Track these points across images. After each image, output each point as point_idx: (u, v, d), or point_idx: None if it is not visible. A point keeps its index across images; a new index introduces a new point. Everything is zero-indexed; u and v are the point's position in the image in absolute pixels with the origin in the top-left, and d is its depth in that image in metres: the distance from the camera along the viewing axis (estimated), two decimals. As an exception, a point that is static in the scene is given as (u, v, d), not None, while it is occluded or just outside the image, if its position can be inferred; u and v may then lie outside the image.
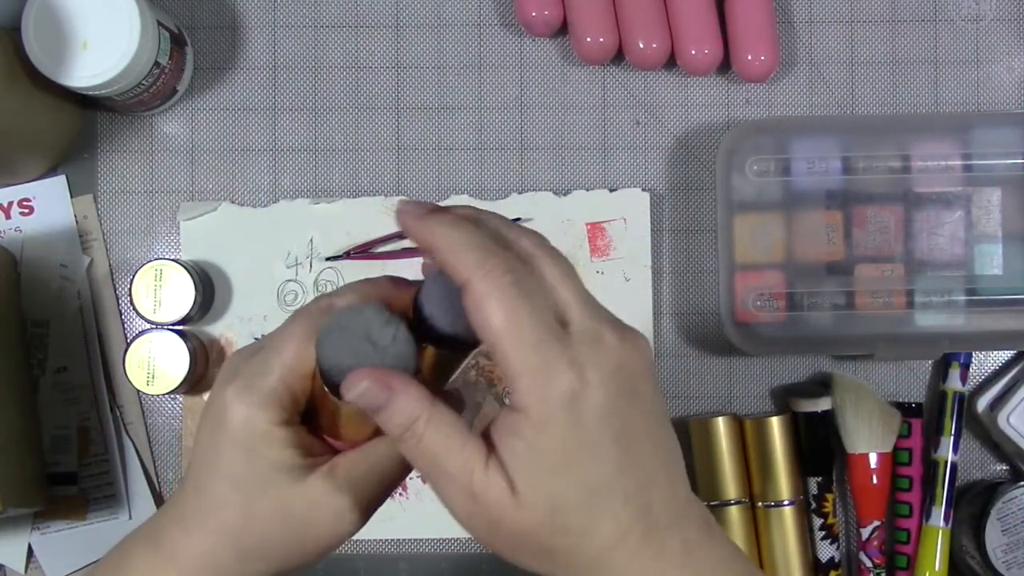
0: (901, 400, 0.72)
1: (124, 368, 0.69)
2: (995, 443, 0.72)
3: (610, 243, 0.72)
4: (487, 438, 0.38)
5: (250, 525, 0.41)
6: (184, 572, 0.41)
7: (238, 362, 0.41)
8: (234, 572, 0.41)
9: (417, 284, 0.41)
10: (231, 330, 0.72)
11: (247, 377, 0.40)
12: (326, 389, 0.40)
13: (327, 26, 0.74)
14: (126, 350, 0.69)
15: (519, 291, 0.36)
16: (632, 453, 0.37)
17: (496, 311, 0.36)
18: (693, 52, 0.70)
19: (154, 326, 0.70)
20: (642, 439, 0.38)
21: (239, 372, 0.41)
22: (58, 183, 0.73)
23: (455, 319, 0.39)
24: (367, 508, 0.42)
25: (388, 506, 0.71)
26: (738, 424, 0.72)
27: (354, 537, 0.73)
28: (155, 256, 0.73)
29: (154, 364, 0.69)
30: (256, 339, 0.47)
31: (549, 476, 0.37)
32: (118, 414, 0.72)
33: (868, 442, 0.70)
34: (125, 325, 0.73)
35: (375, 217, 0.73)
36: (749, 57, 0.71)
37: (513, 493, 0.37)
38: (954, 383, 0.71)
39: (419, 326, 0.40)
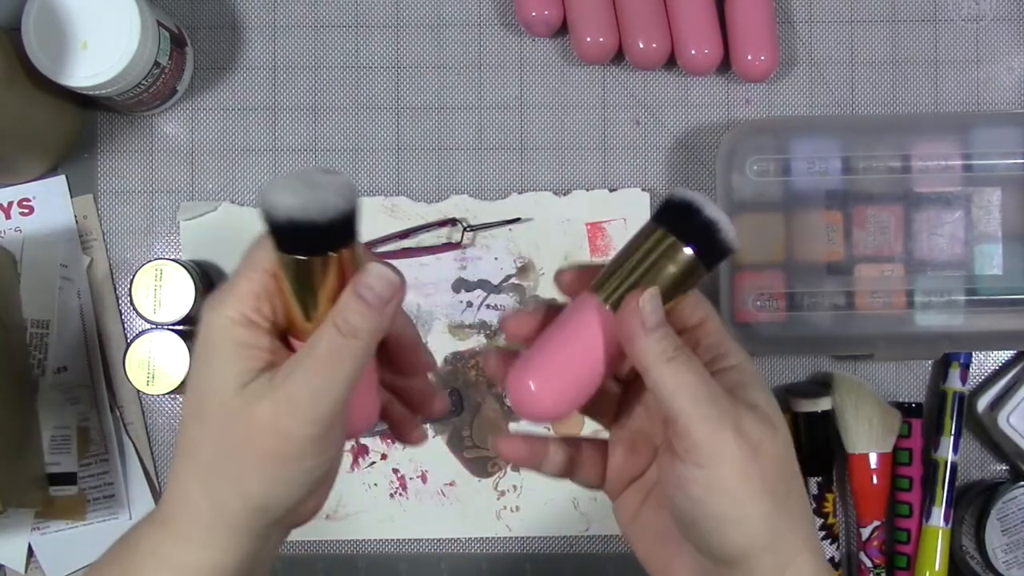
0: (901, 400, 0.72)
1: (124, 368, 0.69)
2: (995, 443, 0.72)
3: (610, 243, 0.72)
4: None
5: (214, 456, 0.39)
6: (179, 535, 0.40)
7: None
8: (223, 521, 0.39)
9: None
10: (231, 330, 0.72)
11: (218, 293, 0.40)
12: (276, 255, 0.38)
13: (327, 26, 0.74)
14: (126, 350, 0.69)
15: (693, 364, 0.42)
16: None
17: (708, 305, 0.43)
18: (693, 52, 0.70)
19: (154, 326, 0.70)
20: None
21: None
22: (58, 183, 0.73)
23: None
24: (322, 418, 0.38)
25: (388, 506, 0.72)
26: (738, 424, 0.71)
27: (355, 537, 0.74)
28: (155, 256, 0.73)
29: (154, 364, 0.69)
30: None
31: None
32: (118, 414, 0.72)
33: (868, 442, 0.70)
34: (125, 325, 0.73)
35: (375, 217, 0.73)
36: (749, 57, 0.71)
37: (772, 424, 0.40)
38: (954, 383, 0.71)
39: None
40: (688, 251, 0.40)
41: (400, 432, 0.47)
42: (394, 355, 0.44)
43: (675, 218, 0.41)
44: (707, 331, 0.42)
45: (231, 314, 0.39)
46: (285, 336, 0.40)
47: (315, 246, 0.38)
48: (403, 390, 0.46)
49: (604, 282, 0.41)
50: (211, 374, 0.39)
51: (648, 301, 0.40)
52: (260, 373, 0.38)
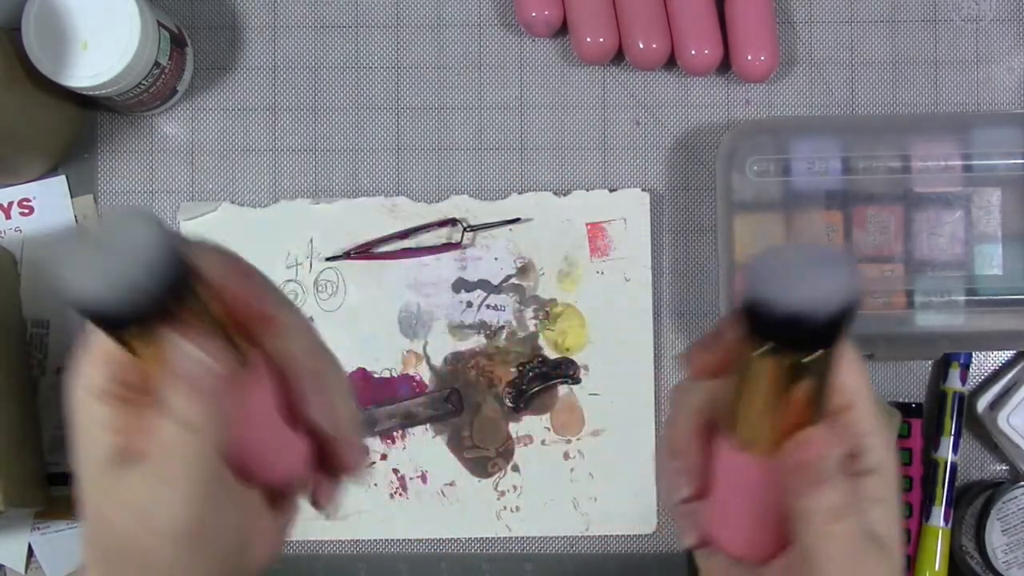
0: (901, 400, 0.72)
1: (124, 368, 0.69)
2: (995, 443, 0.72)
3: (610, 243, 0.72)
4: None
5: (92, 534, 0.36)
6: None
7: None
8: None
9: None
10: (231, 330, 0.72)
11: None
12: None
13: (327, 26, 0.74)
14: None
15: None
16: None
17: (865, 372, 0.36)
18: (693, 52, 0.70)
19: (154, 326, 0.70)
20: None
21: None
22: (58, 183, 0.73)
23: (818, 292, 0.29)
24: (171, 530, 0.34)
25: (388, 506, 0.72)
26: (738, 424, 0.71)
27: (355, 537, 0.74)
28: (155, 256, 0.73)
29: (154, 364, 0.69)
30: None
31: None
32: (118, 414, 0.72)
33: (868, 442, 0.70)
34: (125, 325, 0.73)
35: (375, 217, 0.73)
36: (749, 57, 0.71)
37: (892, 565, 0.35)
38: (954, 383, 0.71)
39: (758, 318, 0.30)
40: (790, 356, 0.32)
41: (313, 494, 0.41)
42: (298, 402, 0.38)
43: (759, 319, 0.31)
44: (851, 419, 0.35)
45: (80, 387, 0.35)
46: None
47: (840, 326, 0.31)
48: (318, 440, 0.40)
49: (736, 422, 0.35)
50: (78, 445, 0.35)
51: (825, 451, 0.34)
52: (118, 458, 0.35)
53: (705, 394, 0.38)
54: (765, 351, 0.31)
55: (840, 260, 0.30)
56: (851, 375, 0.35)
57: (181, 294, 0.31)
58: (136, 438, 0.34)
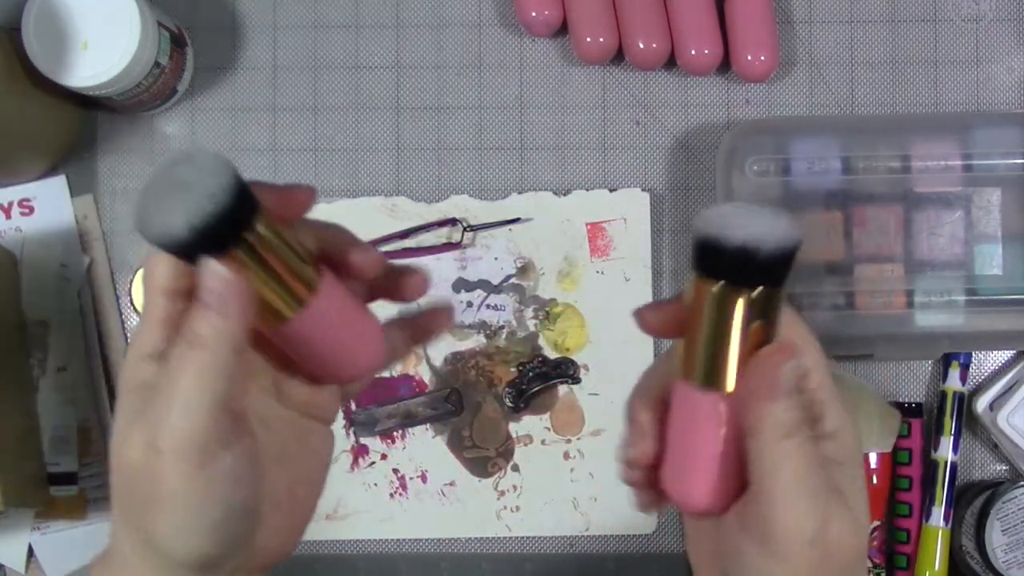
0: (901, 400, 0.72)
1: (124, 368, 0.69)
2: (995, 443, 0.72)
3: (610, 243, 0.72)
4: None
5: (119, 499, 0.36)
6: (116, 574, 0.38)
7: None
8: (146, 566, 0.36)
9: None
10: (231, 330, 0.72)
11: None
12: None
13: (327, 26, 0.74)
14: (126, 350, 0.69)
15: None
16: None
17: (815, 339, 0.37)
18: (693, 52, 0.70)
19: (154, 326, 0.70)
20: None
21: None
22: (58, 183, 0.73)
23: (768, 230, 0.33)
24: (186, 450, 0.34)
25: (388, 506, 0.72)
26: (738, 424, 0.72)
27: (355, 537, 0.74)
28: (155, 256, 0.73)
29: (154, 364, 0.69)
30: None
31: (867, 500, 0.37)
32: (118, 414, 0.72)
33: (868, 442, 0.70)
34: (125, 325, 0.73)
35: (375, 217, 0.73)
36: (749, 57, 0.71)
37: (855, 520, 0.36)
38: (954, 383, 0.71)
39: (713, 256, 0.34)
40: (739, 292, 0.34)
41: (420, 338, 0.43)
42: (379, 288, 0.41)
43: (710, 257, 0.35)
44: (807, 384, 0.37)
45: (145, 343, 0.36)
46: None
47: (786, 269, 0.35)
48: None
49: (692, 365, 0.37)
50: (116, 417, 0.36)
51: (789, 361, 0.35)
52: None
53: (662, 366, 0.40)
54: (717, 288, 0.34)
55: (780, 213, 0.34)
56: (807, 349, 0.37)
57: (247, 227, 0.34)
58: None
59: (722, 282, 0.35)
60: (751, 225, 0.33)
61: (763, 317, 0.35)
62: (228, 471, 0.35)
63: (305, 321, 0.37)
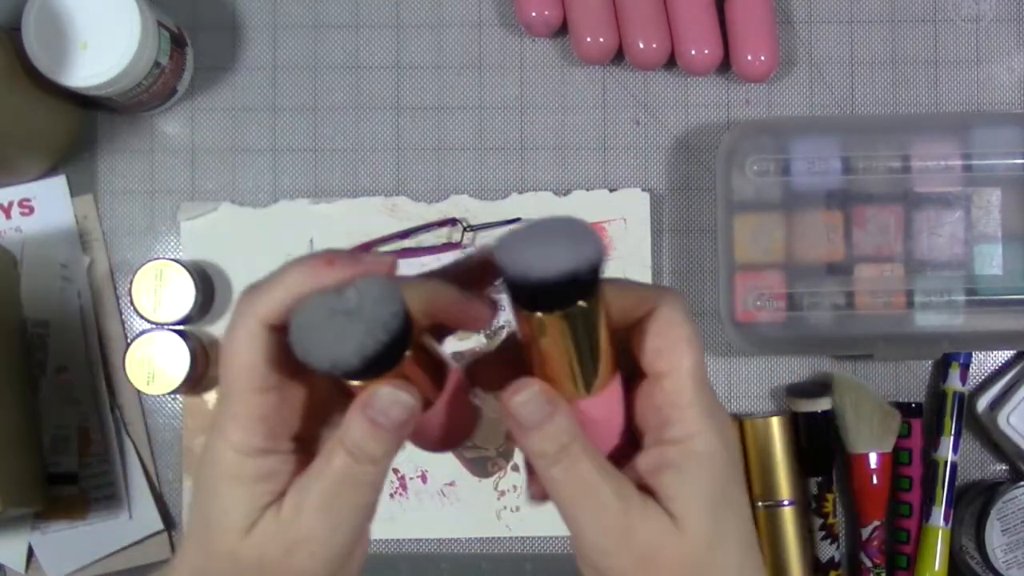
0: (901, 400, 0.72)
1: (124, 368, 0.69)
2: (995, 443, 0.72)
3: (610, 243, 0.72)
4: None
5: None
6: None
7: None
8: None
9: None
10: (231, 330, 0.72)
11: (221, 407, 0.36)
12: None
13: (327, 26, 0.74)
14: (126, 350, 0.69)
15: (696, 330, 0.36)
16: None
17: (690, 345, 0.35)
18: (693, 52, 0.70)
19: (154, 326, 0.70)
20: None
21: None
22: (58, 183, 0.73)
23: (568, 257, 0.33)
24: (338, 555, 0.35)
25: (388, 506, 0.72)
26: (738, 424, 0.72)
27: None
28: (155, 256, 0.73)
29: (154, 364, 0.69)
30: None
31: (715, 508, 0.36)
32: (118, 414, 0.72)
33: (868, 442, 0.70)
34: (125, 325, 0.73)
35: (375, 217, 0.73)
36: (749, 57, 0.71)
37: (675, 525, 0.35)
38: (954, 383, 0.71)
39: (512, 284, 0.34)
40: (538, 314, 0.34)
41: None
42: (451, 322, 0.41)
43: (515, 292, 0.35)
44: (662, 388, 0.36)
45: (237, 445, 0.35)
46: (299, 438, 0.37)
47: (569, 296, 0.34)
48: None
49: (560, 380, 0.37)
50: (216, 512, 0.35)
51: (517, 398, 0.35)
52: (268, 508, 0.35)
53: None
54: (534, 318, 0.35)
55: (571, 229, 0.34)
56: (674, 350, 0.35)
57: (408, 346, 0.34)
58: (287, 468, 0.35)
59: (537, 313, 0.35)
60: (533, 253, 0.33)
61: (583, 332, 0.35)
62: (355, 566, 0.37)
63: (432, 414, 0.38)
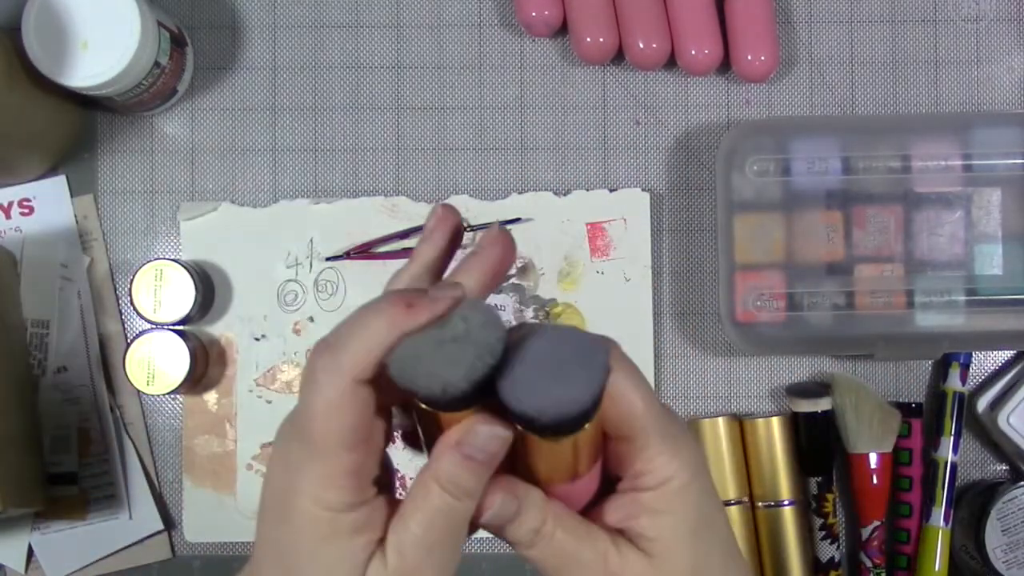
0: (901, 400, 0.72)
1: (124, 368, 0.69)
2: (995, 443, 0.72)
3: (610, 243, 0.72)
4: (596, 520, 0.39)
5: None
6: None
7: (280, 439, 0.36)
8: None
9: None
10: (231, 330, 0.73)
11: (303, 453, 0.35)
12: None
13: (327, 26, 0.74)
14: (126, 350, 0.69)
15: (640, 373, 0.37)
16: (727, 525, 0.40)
17: (638, 390, 0.36)
18: (693, 52, 0.70)
19: (154, 326, 0.70)
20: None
21: (279, 453, 0.36)
22: (58, 183, 0.73)
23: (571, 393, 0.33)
24: None
25: (388, 506, 0.72)
26: (738, 424, 0.72)
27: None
28: (155, 256, 0.73)
29: (154, 364, 0.69)
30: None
31: (693, 538, 0.38)
32: (118, 414, 0.72)
33: (868, 442, 0.70)
34: (125, 325, 0.73)
35: (375, 217, 0.73)
36: (749, 57, 0.71)
37: (655, 564, 0.37)
38: (954, 383, 0.71)
39: (517, 411, 0.34)
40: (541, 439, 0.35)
41: None
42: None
43: (521, 422, 0.35)
44: (633, 447, 0.37)
45: (331, 504, 0.34)
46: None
47: (575, 426, 0.35)
48: None
49: (551, 475, 0.38)
50: (318, 569, 0.35)
51: (486, 514, 0.37)
52: (371, 560, 0.35)
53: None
54: (532, 437, 0.35)
55: (578, 352, 0.33)
56: (628, 410, 0.36)
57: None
58: (379, 527, 0.36)
59: (536, 437, 0.35)
60: (554, 397, 0.33)
61: (587, 435, 0.36)
62: None
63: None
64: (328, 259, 0.72)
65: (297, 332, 0.72)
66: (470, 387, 0.33)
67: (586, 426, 0.35)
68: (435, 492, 0.35)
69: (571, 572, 0.38)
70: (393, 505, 0.36)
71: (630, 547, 0.38)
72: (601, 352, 0.33)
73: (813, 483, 0.71)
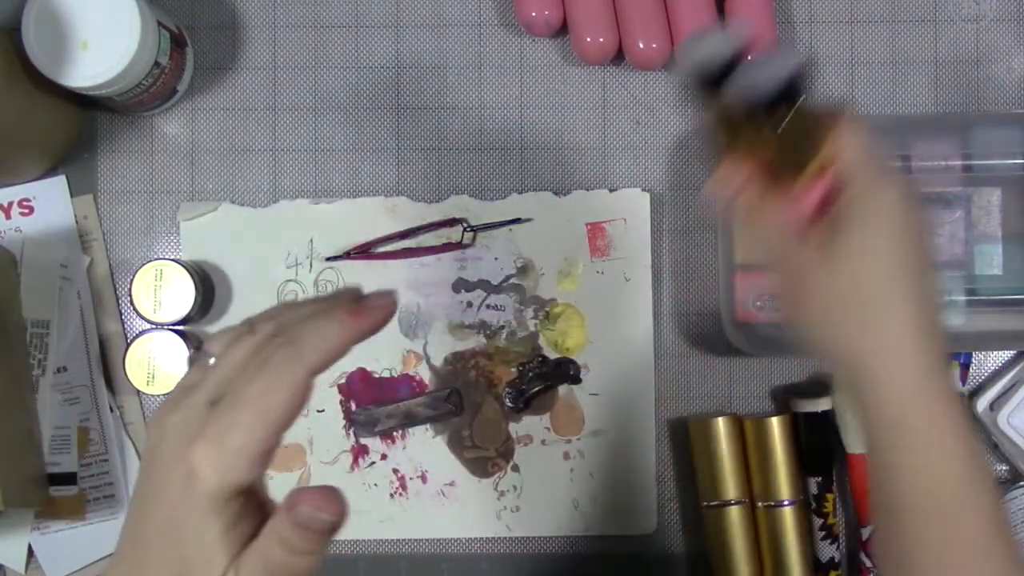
0: (901, 400, 0.72)
1: (124, 368, 0.69)
2: (995, 443, 0.72)
3: (610, 243, 0.72)
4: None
5: None
6: None
7: (192, 417, 0.37)
8: None
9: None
10: (231, 330, 0.72)
11: (216, 437, 0.36)
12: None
13: (327, 26, 0.74)
14: (126, 350, 0.69)
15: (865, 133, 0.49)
16: (926, 273, 0.48)
17: (854, 136, 0.48)
18: (693, 52, 0.70)
19: (154, 326, 0.70)
20: (931, 267, 0.49)
21: (201, 431, 0.36)
22: (58, 183, 0.73)
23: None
24: None
25: (388, 506, 0.72)
26: (738, 424, 0.72)
27: (355, 537, 0.74)
28: (155, 256, 0.73)
29: (154, 364, 0.69)
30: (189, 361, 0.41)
31: (874, 256, 0.46)
32: (118, 414, 0.72)
33: (868, 442, 0.70)
34: (125, 325, 0.73)
35: (375, 217, 0.73)
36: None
37: (839, 257, 0.47)
38: (954, 383, 0.71)
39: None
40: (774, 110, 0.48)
41: None
42: None
43: (710, 79, 0.48)
44: (841, 164, 0.48)
45: (235, 480, 0.36)
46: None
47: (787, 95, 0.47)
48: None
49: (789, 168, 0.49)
50: (196, 551, 0.36)
51: (714, 186, 0.47)
52: (232, 563, 0.36)
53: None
54: (753, 122, 0.47)
55: (775, 54, 0.47)
56: (840, 142, 0.48)
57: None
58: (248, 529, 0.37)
59: (773, 108, 0.47)
60: (774, 65, 0.47)
61: (797, 132, 0.47)
62: None
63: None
64: (328, 259, 0.72)
65: (297, 332, 0.72)
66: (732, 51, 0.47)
67: (798, 104, 0.46)
68: (276, 546, 0.36)
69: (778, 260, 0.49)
70: (256, 529, 0.37)
71: (827, 246, 0.47)
72: (793, 55, 0.47)
73: (813, 483, 0.71)
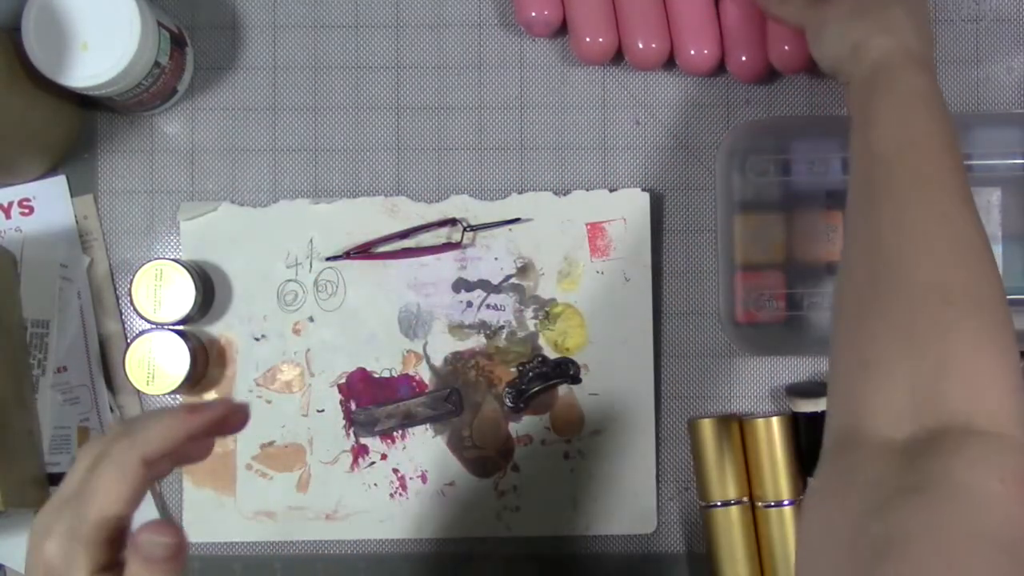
0: (901, 400, 0.72)
1: (124, 368, 0.69)
2: (995, 443, 0.72)
3: (610, 243, 0.72)
4: None
5: None
6: None
7: (51, 517, 0.42)
8: None
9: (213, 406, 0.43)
10: (231, 330, 0.73)
11: (66, 530, 0.41)
12: None
13: (327, 26, 0.74)
14: (126, 350, 0.69)
15: None
16: None
17: None
18: (693, 52, 0.70)
19: (154, 326, 0.70)
20: None
21: (53, 528, 0.41)
22: (58, 183, 0.73)
23: None
24: None
25: (388, 506, 0.72)
26: (738, 424, 0.72)
27: (355, 537, 0.73)
28: (155, 256, 0.73)
29: (154, 364, 0.69)
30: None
31: None
32: (118, 414, 0.72)
33: (868, 442, 0.70)
34: (125, 325, 0.73)
35: (375, 217, 0.73)
36: (744, 58, 0.71)
37: None
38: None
39: None
40: None
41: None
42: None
43: None
44: None
45: (75, 570, 0.40)
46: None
47: None
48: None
49: None
50: None
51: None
52: None
53: None
54: None
55: None
56: None
57: None
58: None
59: None
60: None
61: None
62: None
63: None
64: (328, 259, 0.72)
65: (297, 332, 0.72)
66: None
67: None
68: None
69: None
70: None
71: None
72: None
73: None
